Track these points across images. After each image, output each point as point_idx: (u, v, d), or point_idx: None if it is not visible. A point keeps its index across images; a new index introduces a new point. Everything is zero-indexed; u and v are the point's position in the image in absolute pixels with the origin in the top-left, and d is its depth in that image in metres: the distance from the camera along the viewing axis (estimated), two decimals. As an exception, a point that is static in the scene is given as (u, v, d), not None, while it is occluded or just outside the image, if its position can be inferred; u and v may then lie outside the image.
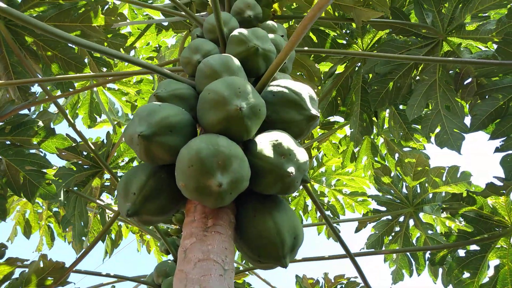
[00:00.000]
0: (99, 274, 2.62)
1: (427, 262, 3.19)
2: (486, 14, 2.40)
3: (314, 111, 1.46)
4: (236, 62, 1.53)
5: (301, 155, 1.33)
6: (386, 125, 3.44)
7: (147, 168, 1.36)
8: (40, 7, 2.25)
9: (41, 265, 2.04)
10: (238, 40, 1.63)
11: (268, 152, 1.29)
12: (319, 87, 2.91)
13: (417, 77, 2.60)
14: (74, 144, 2.59)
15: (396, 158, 3.47)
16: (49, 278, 1.97)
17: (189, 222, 1.35)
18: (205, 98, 1.33)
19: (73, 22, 2.22)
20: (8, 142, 2.34)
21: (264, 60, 1.64)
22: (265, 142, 1.33)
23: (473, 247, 2.54)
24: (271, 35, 1.80)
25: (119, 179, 2.73)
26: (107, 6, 2.45)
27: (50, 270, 1.99)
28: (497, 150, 2.29)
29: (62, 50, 2.42)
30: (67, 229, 3.12)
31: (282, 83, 1.50)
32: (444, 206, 2.59)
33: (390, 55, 2.04)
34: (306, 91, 1.49)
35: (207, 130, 1.36)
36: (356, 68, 2.85)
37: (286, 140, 1.33)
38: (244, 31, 1.65)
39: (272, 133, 1.36)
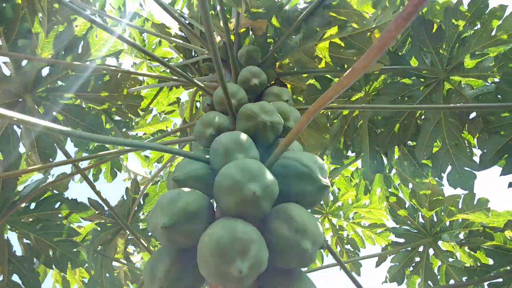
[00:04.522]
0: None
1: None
2: (484, 52, 2.45)
3: (324, 181, 1.52)
4: (247, 138, 1.61)
5: (316, 228, 1.39)
6: (396, 155, 3.48)
7: (171, 252, 1.43)
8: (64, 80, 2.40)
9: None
10: (247, 116, 1.73)
11: (283, 229, 1.35)
12: (328, 134, 2.97)
13: (423, 116, 2.65)
14: (97, 212, 2.68)
15: (410, 188, 3.48)
16: None
17: (213, 300, 1.42)
18: (220, 183, 1.40)
19: (97, 92, 2.34)
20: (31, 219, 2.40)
21: (272, 132, 1.74)
22: (279, 219, 1.39)
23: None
24: (276, 103, 1.89)
25: (138, 235, 2.80)
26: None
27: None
28: (510, 185, 2.31)
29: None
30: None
31: (291, 156, 1.57)
32: (463, 241, 2.60)
33: (392, 106, 2.10)
34: (315, 162, 1.55)
35: (224, 212, 1.44)
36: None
37: (300, 214, 1.38)
38: (252, 106, 1.75)
39: (285, 207, 1.42)
